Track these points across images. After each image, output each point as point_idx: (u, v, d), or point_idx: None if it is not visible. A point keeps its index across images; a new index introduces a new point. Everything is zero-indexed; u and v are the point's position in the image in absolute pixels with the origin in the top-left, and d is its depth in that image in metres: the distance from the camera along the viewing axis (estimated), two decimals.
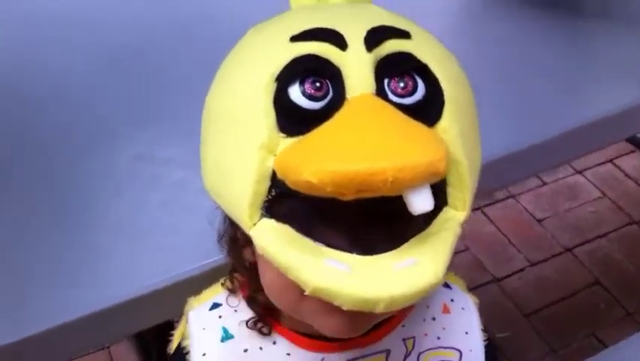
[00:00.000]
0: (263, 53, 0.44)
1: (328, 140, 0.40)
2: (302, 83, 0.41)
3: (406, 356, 0.55)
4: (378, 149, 0.38)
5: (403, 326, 0.55)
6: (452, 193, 0.43)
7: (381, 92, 0.41)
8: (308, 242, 0.41)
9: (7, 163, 0.76)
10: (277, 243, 0.41)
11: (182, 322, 0.57)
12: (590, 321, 1.56)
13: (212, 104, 0.46)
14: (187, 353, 0.54)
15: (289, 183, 0.39)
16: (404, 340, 0.55)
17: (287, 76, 0.41)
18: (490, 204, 1.86)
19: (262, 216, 0.42)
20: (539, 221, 1.81)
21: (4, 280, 0.64)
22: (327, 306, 0.41)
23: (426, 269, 0.40)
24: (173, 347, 0.57)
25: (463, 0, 1.11)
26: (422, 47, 0.44)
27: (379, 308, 0.39)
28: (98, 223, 0.69)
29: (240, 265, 0.53)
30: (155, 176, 0.73)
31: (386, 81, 0.42)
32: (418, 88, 0.42)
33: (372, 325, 0.48)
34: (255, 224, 0.42)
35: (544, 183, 1.92)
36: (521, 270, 1.67)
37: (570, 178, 1.94)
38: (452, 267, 0.44)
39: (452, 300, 0.58)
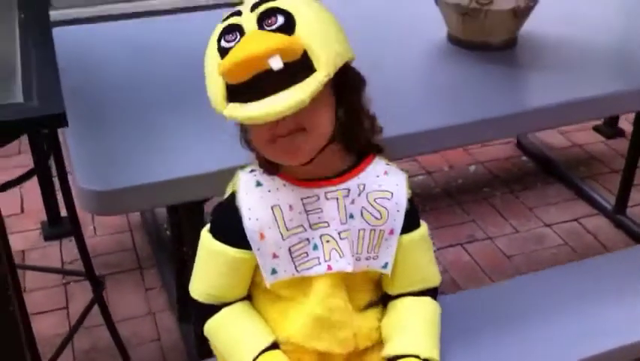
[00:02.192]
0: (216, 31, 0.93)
1: (232, 52, 0.87)
2: (224, 36, 0.90)
3: (359, 193, 0.99)
4: (251, 49, 0.86)
5: (358, 177, 1.00)
6: (315, 65, 0.88)
7: (260, 27, 0.89)
8: (241, 104, 0.88)
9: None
10: (232, 109, 0.89)
11: (233, 180, 1.02)
12: None
13: (205, 58, 0.95)
14: (234, 193, 0.99)
15: (223, 77, 0.88)
16: (358, 185, 1.00)
17: (220, 35, 0.91)
18: (470, 242, 2.28)
19: (227, 102, 0.90)
20: (508, 257, 2.21)
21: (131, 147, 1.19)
22: (277, 147, 0.91)
23: (297, 94, 0.86)
24: (226, 194, 1.02)
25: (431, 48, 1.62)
26: (286, 2, 0.90)
27: (278, 116, 0.86)
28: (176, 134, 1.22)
29: (249, 147, 1.00)
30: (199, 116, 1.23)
31: (263, 22, 0.88)
32: (278, 21, 0.88)
33: (310, 154, 0.94)
34: (224, 107, 0.91)
35: (518, 232, 2.34)
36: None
37: (540, 229, 2.35)
38: None
39: (389, 170, 1.02)
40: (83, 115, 1.28)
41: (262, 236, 0.96)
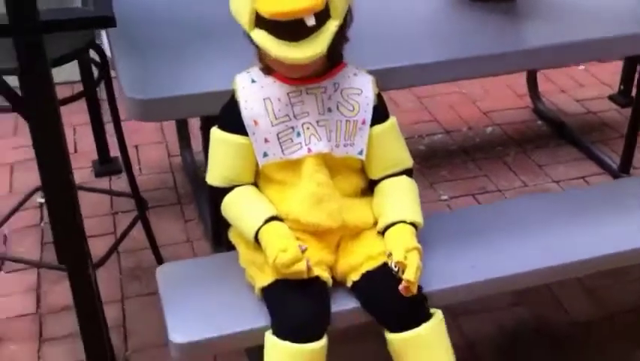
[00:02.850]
0: None
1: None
2: None
3: (335, 90, 1.23)
4: (294, 6, 1.09)
5: (333, 78, 1.23)
6: (332, 14, 1.12)
7: None
8: (273, 37, 1.12)
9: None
10: (260, 37, 1.13)
11: (233, 84, 1.26)
12: None
13: None
14: (234, 91, 1.23)
15: (259, 12, 1.11)
16: (333, 83, 1.23)
17: None
18: (481, 193, 2.47)
19: (254, 27, 1.14)
20: None
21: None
22: (287, 65, 1.14)
23: (316, 46, 1.11)
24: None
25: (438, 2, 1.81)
26: None
27: (302, 62, 1.12)
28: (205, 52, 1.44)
29: (259, 56, 1.23)
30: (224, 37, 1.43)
31: None
32: None
33: (309, 72, 1.18)
34: (251, 30, 1.14)
35: (526, 186, 2.52)
36: None
37: (547, 184, 2.52)
38: None
39: (358, 73, 1.27)
40: (131, 44, 1.52)
41: (256, 123, 1.21)
